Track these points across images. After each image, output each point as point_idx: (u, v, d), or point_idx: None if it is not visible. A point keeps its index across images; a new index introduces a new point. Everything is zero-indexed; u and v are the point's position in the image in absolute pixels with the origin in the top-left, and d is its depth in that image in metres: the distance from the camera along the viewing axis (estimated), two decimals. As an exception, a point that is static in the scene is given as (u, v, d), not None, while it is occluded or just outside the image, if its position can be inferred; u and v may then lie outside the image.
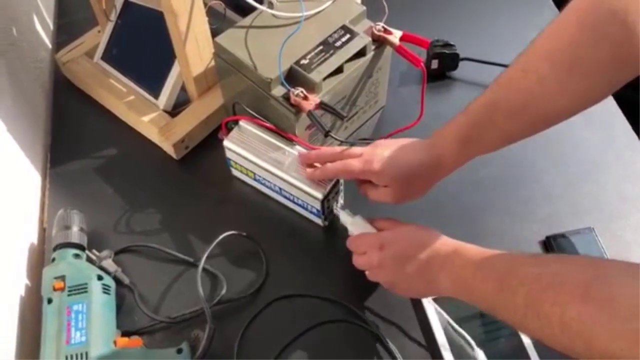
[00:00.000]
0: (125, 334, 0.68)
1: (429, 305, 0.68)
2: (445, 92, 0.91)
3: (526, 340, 0.67)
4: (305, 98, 0.70)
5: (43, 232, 0.80)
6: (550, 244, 0.76)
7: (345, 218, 0.72)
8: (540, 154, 0.84)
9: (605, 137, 0.86)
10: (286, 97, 0.71)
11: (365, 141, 0.83)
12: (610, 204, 0.80)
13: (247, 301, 0.72)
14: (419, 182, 0.68)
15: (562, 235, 0.76)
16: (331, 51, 0.73)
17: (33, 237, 0.78)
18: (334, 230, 0.77)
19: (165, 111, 0.85)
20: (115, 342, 0.66)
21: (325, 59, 0.73)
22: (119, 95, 0.86)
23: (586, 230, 0.77)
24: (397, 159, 0.67)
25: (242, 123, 0.76)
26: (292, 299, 0.72)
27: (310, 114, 0.71)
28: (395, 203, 0.69)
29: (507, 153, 0.83)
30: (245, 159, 0.75)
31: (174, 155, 0.83)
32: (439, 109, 0.88)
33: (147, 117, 0.84)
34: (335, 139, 0.76)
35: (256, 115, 0.75)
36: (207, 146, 0.85)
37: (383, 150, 0.68)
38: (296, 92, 0.70)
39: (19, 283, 0.72)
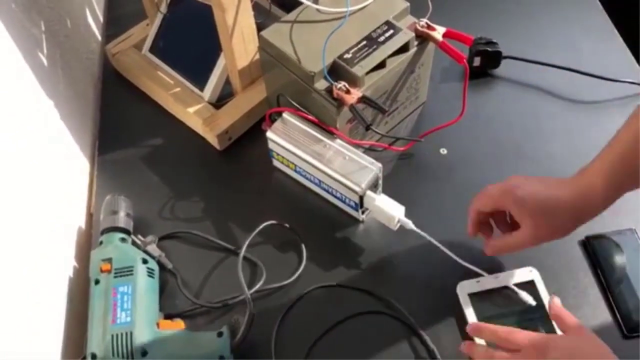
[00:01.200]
0: (168, 316, 0.71)
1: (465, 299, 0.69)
2: (487, 90, 0.91)
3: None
4: (348, 92, 0.71)
5: (90, 217, 0.83)
6: (591, 244, 0.75)
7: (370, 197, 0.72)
8: (580, 153, 0.83)
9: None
10: (329, 91, 0.72)
11: (407, 139, 0.84)
12: (653, 205, 0.78)
13: (285, 290, 0.74)
14: (560, 219, 0.63)
15: (603, 236, 0.75)
16: (374, 46, 0.74)
17: (81, 222, 0.81)
18: (372, 225, 0.78)
19: (210, 103, 0.87)
20: (158, 324, 0.68)
21: (368, 54, 0.74)
22: (165, 86, 0.89)
23: (627, 232, 0.76)
24: (539, 192, 0.63)
25: (285, 115, 0.78)
26: (328, 289, 0.73)
27: (352, 107, 0.72)
28: (531, 244, 0.65)
29: (547, 153, 0.84)
30: (287, 150, 0.76)
31: (217, 146, 0.85)
32: (480, 107, 0.88)
33: (192, 109, 0.86)
34: (377, 133, 0.77)
35: (299, 108, 0.77)
36: (249, 138, 0.87)
37: (523, 181, 0.65)
38: (339, 85, 0.71)
39: (68, 265, 0.75)
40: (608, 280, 0.72)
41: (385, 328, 0.71)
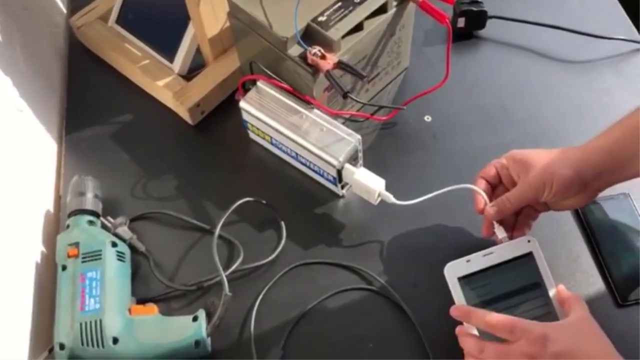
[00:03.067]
0: (141, 301, 0.67)
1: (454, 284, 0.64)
2: (472, 52, 0.87)
3: (559, 312, 0.63)
4: (323, 57, 0.67)
5: (59, 199, 0.79)
6: (583, 211, 0.72)
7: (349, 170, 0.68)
8: (569, 116, 0.80)
9: (643, 98, 0.81)
10: (303, 57, 0.68)
11: (390, 107, 0.80)
12: (647, 168, 0.75)
13: (265, 269, 0.70)
14: (563, 167, 0.62)
15: (595, 202, 0.72)
16: (350, 7, 0.70)
17: (49, 204, 0.77)
18: (353, 200, 0.74)
19: (181, 75, 0.82)
20: (130, 310, 0.65)
21: (344, 16, 0.69)
22: (133, 59, 0.84)
23: (621, 196, 0.72)
24: (539, 150, 0.65)
25: (259, 84, 0.73)
26: (309, 266, 0.70)
27: (328, 74, 0.67)
28: (533, 194, 0.63)
29: (534, 116, 0.80)
30: (262, 121, 0.72)
31: (189, 121, 0.81)
32: (466, 71, 0.84)
33: (162, 82, 0.81)
34: (356, 101, 0.73)
35: (273, 76, 0.72)
36: (223, 111, 0.82)
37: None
38: (313, 51, 0.67)
39: (35, 250, 0.71)
40: (601, 247, 0.69)
41: (369, 305, 0.68)
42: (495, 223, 0.66)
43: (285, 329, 0.66)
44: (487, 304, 0.62)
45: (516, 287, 0.63)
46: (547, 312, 0.62)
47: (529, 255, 0.64)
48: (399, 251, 0.71)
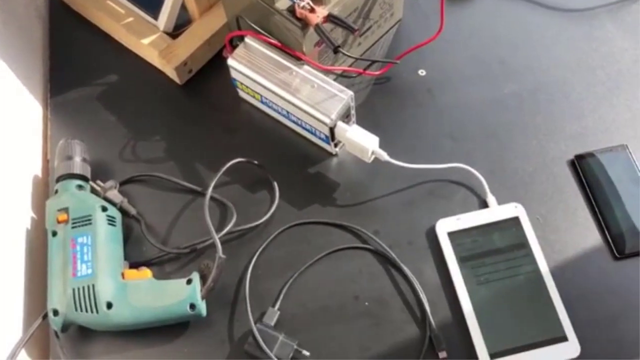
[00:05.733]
0: (134, 265, 0.66)
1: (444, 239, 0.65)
2: (468, 1, 0.84)
3: (544, 271, 0.64)
4: (312, 10, 0.64)
5: (47, 163, 0.77)
6: (580, 164, 0.70)
7: (342, 128, 0.67)
8: (568, 67, 0.78)
9: (644, 46, 0.79)
10: (291, 11, 0.65)
11: (383, 62, 0.78)
12: (646, 119, 0.74)
13: (258, 230, 0.69)
14: None
15: (592, 154, 0.71)
16: (339, -43, 0.67)
17: (37, 169, 0.76)
18: (346, 158, 0.73)
19: (166, 33, 0.79)
20: (123, 274, 0.64)
21: (333, -33, 0.66)
22: (117, 17, 0.81)
23: (619, 148, 0.71)
24: None
25: (247, 40, 0.71)
26: (304, 226, 0.69)
27: (317, 28, 0.65)
28: None
29: (532, 68, 0.78)
30: (251, 79, 0.70)
31: (177, 80, 0.79)
32: (461, 22, 0.82)
33: (147, 40, 0.79)
34: (346, 55, 0.70)
35: (260, 31, 0.70)
36: (212, 69, 0.80)
37: None
38: (302, 4, 0.64)
39: (25, 216, 0.70)
40: (598, 200, 0.68)
41: (365, 263, 0.67)
42: (489, 193, 0.68)
43: (281, 289, 0.66)
44: (475, 257, 0.65)
45: (503, 245, 0.66)
46: (532, 270, 0.64)
47: (515, 219, 0.67)
48: (393, 209, 0.70)
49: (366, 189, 0.71)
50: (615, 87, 0.76)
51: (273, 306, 0.64)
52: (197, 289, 0.62)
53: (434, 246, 0.67)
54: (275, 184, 0.71)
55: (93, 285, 0.61)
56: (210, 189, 0.67)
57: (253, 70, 0.70)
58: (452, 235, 0.66)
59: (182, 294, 0.62)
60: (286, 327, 0.63)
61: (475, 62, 0.79)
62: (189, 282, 0.63)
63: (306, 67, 0.69)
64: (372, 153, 0.68)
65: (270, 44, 0.70)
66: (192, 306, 0.62)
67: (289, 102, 0.68)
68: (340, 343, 0.63)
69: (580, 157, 0.71)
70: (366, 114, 0.74)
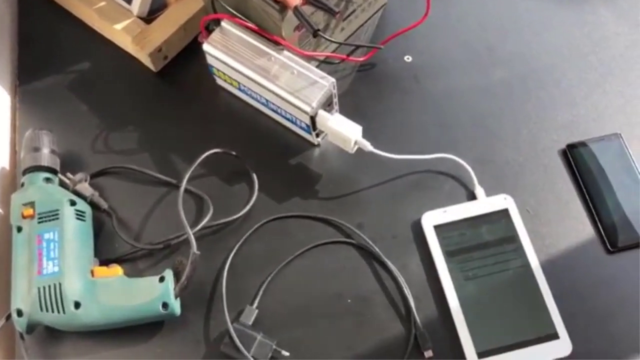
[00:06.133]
0: (105, 262, 0.63)
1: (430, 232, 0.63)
2: (455, -15, 0.80)
3: (534, 266, 0.61)
4: (291, -8, 0.61)
5: (15, 155, 0.73)
6: (572, 153, 0.68)
7: (323, 117, 0.64)
8: (559, 53, 0.75)
9: (637, 32, 0.76)
10: (269, -7, 0.62)
11: (367, 47, 0.74)
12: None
13: (236, 224, 0.66)
14: None
15: (585, 143, 0.68)
16: (320, -64, 0.63)
17: (4, 161, 0.72)
18: (328, 149, 0.70)
19: (140, 17, 0.76)
20: (92, 272, 0.61)
21: (313, -54, 0.63)
22: (88, 1, 0.77)
23: (612, 137, 0.68)
24: None
25: (224, 24, 0.67)
26: (284, 220, 0.66)
27: (296, 10, 0.61)
28: None
29: (522, 54, 0.75)
30: (227, 65, 0.67)
31: (151, 67, 0.75)
32: (448, 6, 0.79)
33: (120, 25, 0.75)
34: (328, 40, 0.67)
35: (236, 14, 0.66)
36: (188, 56, 0.76)
37: None
38: (280, -15, 0.61)
39: (-10, 211, 0.67)
40: (591, 191, 0.65)
41: (348, 259, 0.64)
42: (477, 184, 0.65)
43: (259, 287, 0.62)
44: (462, 252, 0.62)
45: (492, 239, 0.63)
46: (522, 264, 0.62)
47: (504, 211, 0.64)
48: (378, 201, 0.67)
49: (349, 181, 0.68)
50: (608, 74, 0.73)
51: (251, 304, 0.61)
52: (170, 287, 0.59)
53: (419, 240, 0.64)
54: (254, 176, 0.68)
55: (59, 284, 0.58)
56: (184, 181, 0.64)
57: (229, 56, 0.66)
58: (438, 228, 0.63)
59: (154, 292, 0.59)
60: (265, 326, 0.61)
61: (463, 47, 0.76)
62: (162, 279, 0.60)
63: (286, 52, 0.66)
64: (355, 143, 0.65)
65: (248, 28, 0.66)
66: (165, 305, 0.59)
67: (267, 89, 0.65)
68: (321, 342, 0.60)
69: (572, 147, 0.68)
70: (349, 102, 0.71)
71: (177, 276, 0.60)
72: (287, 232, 0.66)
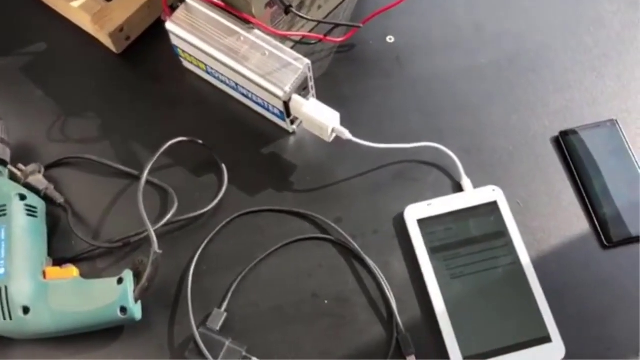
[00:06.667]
0: (60, 262, 0.58)
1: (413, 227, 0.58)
2: (441, -40, 0.75)
3: (525, 263, 0.57)
4: (260, -35, 0.55)
5: (-37, 145, 0.67)
6: (565, 141, 0.63)
7: (297, 102, 0.59)
8: (552, 34, 0.70)
9: (634, 11, 0.71)
10: (236, -35, 0.56)
11: (346, 26, 0.69)
12: (637, 90, 0.66)
13: (204, 220, 0.61)
14: None
15: (578, 131, 0.63)
16: None
17: (-49, 152, 0.66)
18: (305, 137, 0.64)
19: (100, -6, 0.70)
20: (44, 273, 0.55)
21: None
22: (43, -24, 0.71)
23: (608, 123, 0.64)
24: None
25: (188, 0, 0.62)
26: (256, 215, 0.61)
27: (267, -15, 0.56)
28: None
29: (512, 34, 0.70)
30: (193, 46, 0.61)
31: (113, 48, 0.69)
32: (432, -19, 0.73)
33: (78, 2, 0.69)
34: (302, 18, 0.62)
35: (201, -10, 0.60)
36: (153, 36, 0.70)
37: None
38: (248, -43, 0.55)
39: None
40: (585, 182, 0.61)
41: (325, 256, 0.59)
42: (463, 175, 0.61)
43: (228, 288, 0.58)
44: (448, 248, 0.58)
45: (479, 234, 0.58)
46: (512, 261, 0.57)
47: (493, 204, 0.59)
48: (357, 194, 0.62)
49: (327, 172, 0.63)
50: (603, 55, 0.69)
51: (219, 307, 0.56)
52: (128, 289, 0.54)
53: (402, 236, 0.59)
54: (224, 167, 0.63)
55: (6, 287, 0.53)
56: (145, 173, 0.59)
57: (195, 35, 0.61)
58: (422, 222, 0.59)
59: (111, 295, 0.54)
60: (234, 330, 0.56)
61: (449, 27, 0.71)
62: (120, 281, 0.55)
63: (256, 31, 0.60)
64: (333, 131, 0.60)
65: (215, 4, 0.61)
66: (123, 309, 0.53)
67: (236, 72, 0.60)
68: (296, 347, 0.56)
69: (565, 134, 0.64)
70: (327, 86, 0.66)
71: (137, 277, 0.55)
72: (259, 227, 0.60)
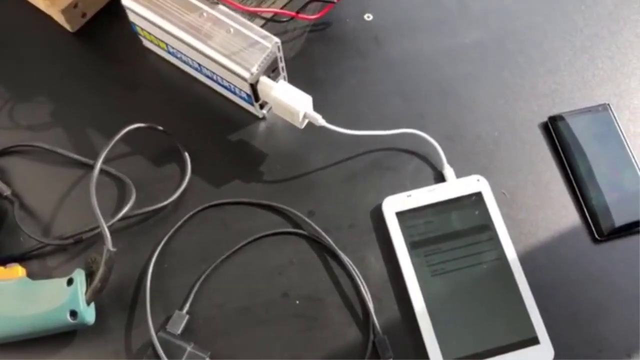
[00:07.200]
0: (5, 261, 0.53)
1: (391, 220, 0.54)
2: None
3: (511, 258, 0.53)
4: None
5: None
6: (555, 127, 0.59)
7: (266, 85, 0.54)
8: (541, 12, 0.66)
9: (628, -13, 0.67)
10: None
11: (320, 1, 0.64)
12: (631, 73, 0.62)
13: (165, 213, 0.56)
14: None
15: (569, 116, 0.59)
16: None
17: None
18: (276, 123, 0.60)
19: (52, -33, 0.64)
20: (-15, 274, 0.50)
21: None
22: (-10, -53, 0.65)
23: (600, 108, 0.60)
24: None
25: (145, -26, 0.56)
26: (222, 208, 0.56)
27: (230, -45, 0.51)
28: None
29: (498, 12, 0.66)
30: (151, 23, 0.56)
31: (67, 27, 0.64)
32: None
33: (27, -24, 0.63)
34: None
35: (158, -38, 0.55)
36: (112, 13, 0.65)
37: None
38: None
39: None
40: (575, 171, 0.57)
41: (296, 252, 0.55)
42: (446, 163, 0.57)
43: (191, 288, 0.53)
44: (429, 243, 0.54)
45: (462, 228, 0.54)
46: (497, 257, 0.53)
47: (477, 195, 0.55)
48: (332, 185, 0.57)
49: (299, 161, 0.58)
50: (595, 35, 0.64)
51: (181, 309, 0.52)
52: (79, 291, 0.49)
53: (379, 230, 0.55)
54: (187, 155, 0.58)
55: (-60, 291, 0.47)
56: (99, 161, 0.53)
57: (153, 11, 0.55)
58: (401, 215, 0.54)
59: (60, 298, 0.49)
60: (197, 334, 0.51)
61: (431, 5, 0.66)
62: (70, 282, 0.50)
63: (221, 7, 0.55)
64: (305, 116, 0.55)
65: (174, -23, 0.55)
66: (73, 313, 0.49)
67: (199, 51, 0.54)
68: (264, 351, 0.51)
69: (554, 119, 0.59)
70: (299, 68, 0.61)
71: (91, 277, 0.50)
72: (225, 222, 0.56)
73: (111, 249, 0.49)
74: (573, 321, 0.52)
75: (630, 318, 0.52)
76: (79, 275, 0.50)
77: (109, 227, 0.51)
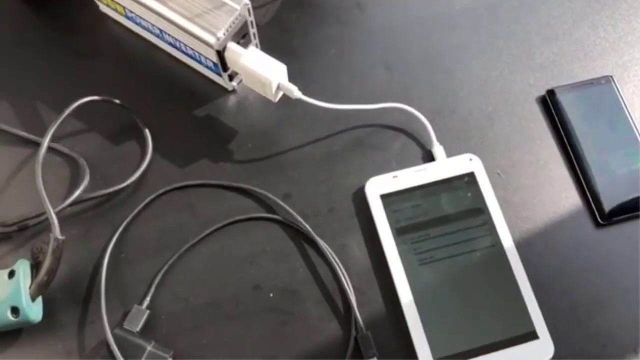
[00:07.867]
0: (-60, 250, 0.47)
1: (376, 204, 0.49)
2: None
3: (507, 245, 0.48)
4: None
5: None
6: (554, 101, 0.54)
7: (234, 52, 0.48)
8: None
9: (631, -50, 0.62)
10: None
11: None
12: (635, 42, 0.57)
13: (123, 196, 0.50)
14: None
15: (568, 89, 0.54)
16: None
17: None
18: (248, 95, 0.54)
19: None
20: None
21: None
22: None
23: (602, 80, 0.55)
24: None
25: None
26: (187, 190, 0.51)
27: None
28: None
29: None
30: (104, -17, 0.49)
31: (14, -10, 0.57)
32: None
33: None
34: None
35: None
36: (66, -25, 0.58)
37: None
38: None
39: None
40: (576, 149, 0.52)
41: (270, 239, 0.50)
42: (435, 141, 0.52)
43: (152, 279, 0.47)
44: (417, 228, 0.49)
45: (453, 212, 0.50)
46: (492, 244, 0.49)
47: (469, 176, 0.50)
48: (310, 165, 0.52)
49: (273, 139, 0.53)
50: (596, 1, 0.59)
51: (140, 303, 0.46)
52: (21, 285, 0.43)
53: (362, 214, 0.50)
54: (148, 132, 0.52)
55: None
56: (47, 138, 0.47)
57: (106, -32, 0.49)
58: (386, 198, 0.49)
59: (0, 292, 0.43)
60: (159, 331, 0.46)
61: (420, -32, 0.60)
62: (12, 274, 0.44)
63: (184, -35, 0.49)
64: (279, 88, 0.49)
65: None
66: (15, 310, 0.43)
67: (159, 14, 0.48)
68: (234, 350, 0.46)
69: (552, 93, 0.54)
70: (274, 35, 0.56)
71: (37, 269, 0.45)
72: (191, 206, 0.50)
73: (59, 236, 0.44)
74: (574, 314, 0.47)
75: (637, 309, 0.47)
76: (23, 266, 0.44)
77: (59, 212, 0.45)
